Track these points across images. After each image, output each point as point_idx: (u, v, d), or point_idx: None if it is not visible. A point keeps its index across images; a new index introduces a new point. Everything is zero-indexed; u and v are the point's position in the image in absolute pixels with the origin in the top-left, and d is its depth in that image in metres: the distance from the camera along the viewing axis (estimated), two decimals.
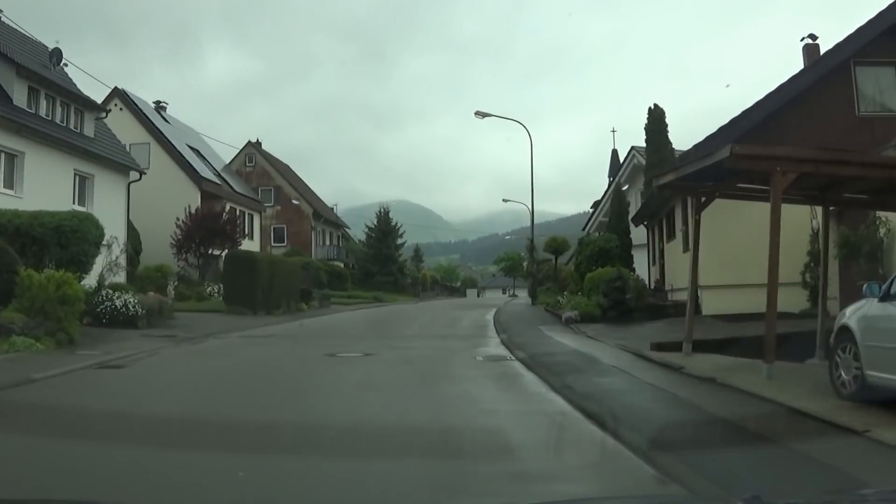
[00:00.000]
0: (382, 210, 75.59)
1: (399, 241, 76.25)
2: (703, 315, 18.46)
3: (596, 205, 47.55)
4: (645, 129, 32.64)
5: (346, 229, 69.09)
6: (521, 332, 18.69)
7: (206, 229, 36.71)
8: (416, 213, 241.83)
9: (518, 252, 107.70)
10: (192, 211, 37.30)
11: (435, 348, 15.44)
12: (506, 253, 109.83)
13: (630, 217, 32.47)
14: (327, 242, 60.17)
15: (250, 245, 46.31)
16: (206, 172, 42.54)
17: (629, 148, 38.87)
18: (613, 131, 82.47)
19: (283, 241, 56.60)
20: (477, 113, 34.99)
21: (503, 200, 69.69)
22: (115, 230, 31.77)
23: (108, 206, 31.18)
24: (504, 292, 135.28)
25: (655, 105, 33.04)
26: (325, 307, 34.48)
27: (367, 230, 76.85)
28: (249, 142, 59.80)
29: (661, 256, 25.74)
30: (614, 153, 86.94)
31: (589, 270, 23.35)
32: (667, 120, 32.68)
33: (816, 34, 27.39)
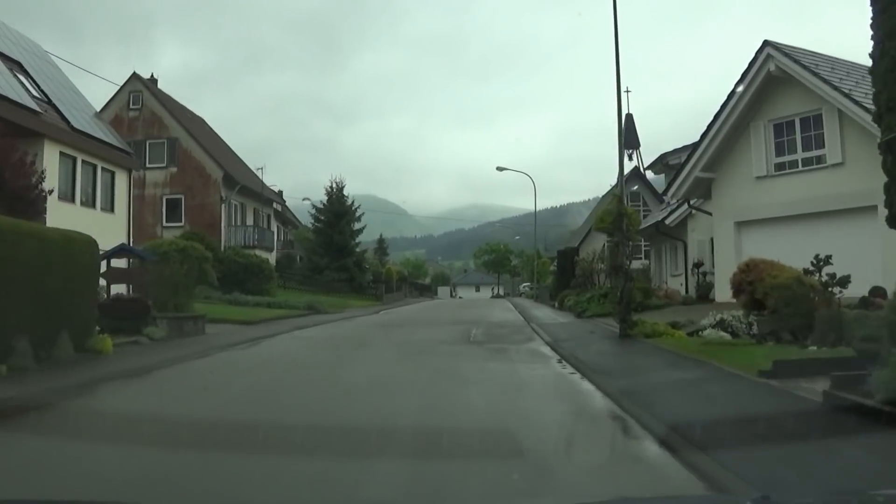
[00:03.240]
0: (334, 185, 57.73)
1: (356, 225, 58.39)
2: None
3: (665, 161, 30.48)
4: None
5: (279, 205, 51.14)
6: None
7: None
8: (381, 207, 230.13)
9: (503, 242, 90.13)
10: None
11: None
12: (488, 244, 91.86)
13: None
14: (248, 222, 41.81)
15: (107, 221, 28.48)
16: (13, 90, 24.35)
17: (760, 44, 21.53)
18: (628, 91, 65.03)
19: (181, 220, 38.40)
20: None
21: (497, 169, 52.26)
22: None
23: None
24: (477, 290, 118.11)
25: None
26: (180, 337, 16.61)
27: (313, 212, 58.74)
28: (136, 75, 41.22)
29: None
30: (629, 118, 69.78)
31: None
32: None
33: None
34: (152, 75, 44.00)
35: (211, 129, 49.70)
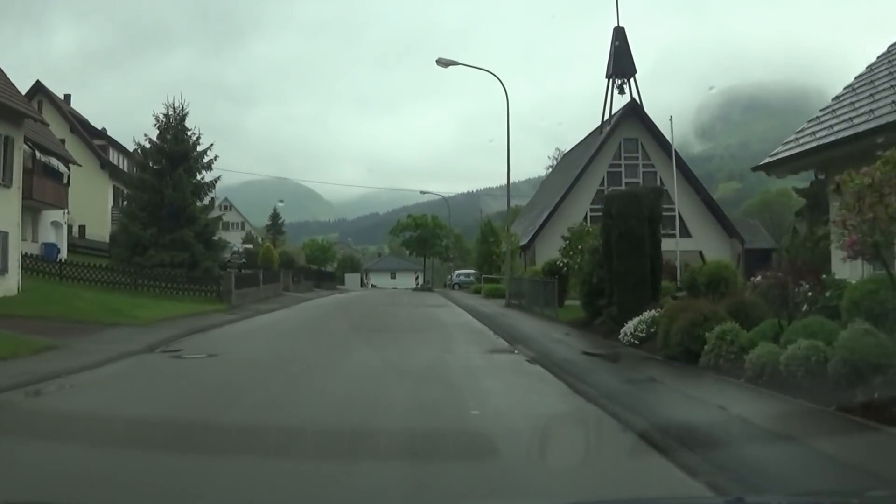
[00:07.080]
0: (171, 112, 35.48)
1: (206, 175, 36.34)
2: None
3: None
4: None
5: (105, 144, 29.14)
6: None
7: None
8: (296, 191, 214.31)
9: (431, 214, 68.51)
10: None
11: None
12: (411, 217, 70.38)
13: None
14: None
15: None
16: None
17: None
18: None
19: None
20: None
21: (439, 63, 31.56)
22: None
23: None
24: (393, 277, 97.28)
25: None
26: None
27: (136, 149, 36.50)
28: None
29: None
30: (620, 32, 49.20)
31: None
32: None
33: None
34: None
35: None
